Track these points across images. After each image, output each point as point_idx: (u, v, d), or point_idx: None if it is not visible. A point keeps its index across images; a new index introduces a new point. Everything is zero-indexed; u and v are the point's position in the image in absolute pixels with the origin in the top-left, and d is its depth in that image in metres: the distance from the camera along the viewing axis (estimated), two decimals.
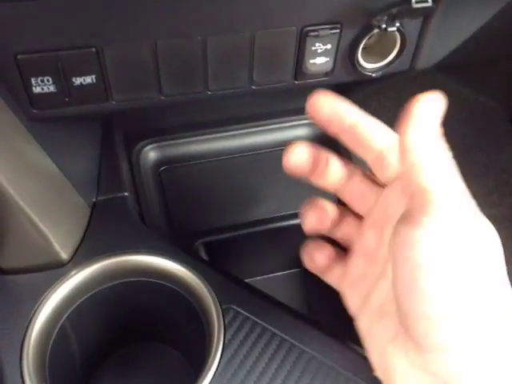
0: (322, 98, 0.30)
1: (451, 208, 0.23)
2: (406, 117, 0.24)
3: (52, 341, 0.38)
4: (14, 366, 0.36)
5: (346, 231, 0.32)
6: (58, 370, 0.39)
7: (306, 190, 0.53)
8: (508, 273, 0.24)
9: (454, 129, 0.89)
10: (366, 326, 0.30)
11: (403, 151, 0.25)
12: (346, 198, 0.32)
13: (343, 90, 0.55)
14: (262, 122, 0.53)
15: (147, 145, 0.51)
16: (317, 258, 0.33)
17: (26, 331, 0.37)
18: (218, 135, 0.53)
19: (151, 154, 0.51)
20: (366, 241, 0.30)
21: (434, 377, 0.25)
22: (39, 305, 0.38)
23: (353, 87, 0.55)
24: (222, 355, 0.35)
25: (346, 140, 0.30)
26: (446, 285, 0.23)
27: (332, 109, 0.30)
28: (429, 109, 0.24)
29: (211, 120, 0.53)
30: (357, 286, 0.31)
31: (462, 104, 0.99)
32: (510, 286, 0.24)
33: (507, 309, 0.24)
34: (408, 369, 0.26)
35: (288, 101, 0.53)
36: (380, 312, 0.29)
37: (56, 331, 0.39)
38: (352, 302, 0.31)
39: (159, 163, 0.51)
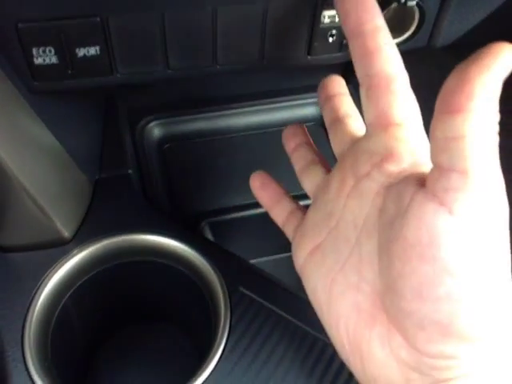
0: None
1: (489, 198, 0.20)
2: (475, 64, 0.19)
3: (54, 320, 0.38)
4: (16, 345, 0.35)
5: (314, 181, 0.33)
6: (59, 349, 0.39)
7: None
8: None
9: None
10: (316, 287, 0.29)
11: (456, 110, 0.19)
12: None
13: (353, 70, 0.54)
14: (269, 100, 0.52)
15: (151, 121, 0.50)
16: (278, 212, 0.34)
17: (27, 310, 0.36)
18: (225, 112, 0.52)
19: (155, 130, 0.50)
20: (327, 190, 0.29)
21: (423, 376, 0.23)
22: (41, 283, 0.37)
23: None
24: (228, 338, 0.34)
25: None
26: (476, 293, 0.20)
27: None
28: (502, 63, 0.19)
29: (217, 96, 0.51)
30: (306, 237, 0.30)
31: None
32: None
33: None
34: (390, 360, 0.24)
35: (296, 78, 0.52)
36: (345, 282, 0.27)
37: (58, 310, 0.38)
38: (299, 254, 0.30)
39: (163, 140, 0.50)
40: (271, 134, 0.52)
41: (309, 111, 0.54)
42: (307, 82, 0.52)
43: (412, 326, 0.22)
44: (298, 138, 0.37)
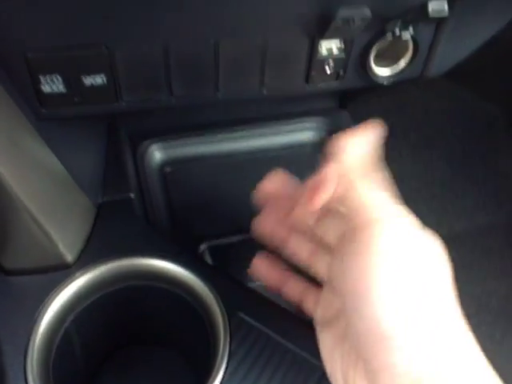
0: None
1: (393, 222, 0.24)
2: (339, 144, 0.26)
3: (56, 344, 0.38)
4: (19, 369, 0.35)
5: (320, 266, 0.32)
6: (61, 372, 0.39)
7: None
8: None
9: (455, 134, 0.89)
10: (328, 348, 0.30)
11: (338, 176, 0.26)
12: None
13: (350, 95, 0.55)
14: (269, 124, 0.53)
15: (153, 144, 0.50)
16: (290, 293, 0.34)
17: (30, 334, 0.36)
18: (225, 136, 0.53)
19: (157, 153, 0.51)
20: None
21: None
22: (43, 307, 0.37)
23: (359, 93, 0.55)
24: (227, 364, 0.35)
25: None
26: (394, 303, 0.23)
27: None
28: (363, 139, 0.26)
29: (218, 120, 0.52)
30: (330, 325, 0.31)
31: (464, 110, 0.99)
32: (455, 300, 0.25)
33: (452, 321, 0.24)
34: None
35: (296, 104, 0.53)
36: (342, 336, 0.29)
37: (60, 334, 0.38)
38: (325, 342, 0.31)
39: (164, 163, 0.51)
40: (271, 158, 0.53)
41: (306, 136, 0.55)
42: (307, 107, 0.53)
43: None
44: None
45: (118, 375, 0.46)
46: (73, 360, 0.41)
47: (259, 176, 0.52)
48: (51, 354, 0.38)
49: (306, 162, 0.53)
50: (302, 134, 0.54)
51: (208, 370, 0.35)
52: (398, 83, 0.40)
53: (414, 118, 0.98)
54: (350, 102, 0.56)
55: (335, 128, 0.53)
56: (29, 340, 0.36)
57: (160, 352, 0.46)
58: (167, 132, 0.52)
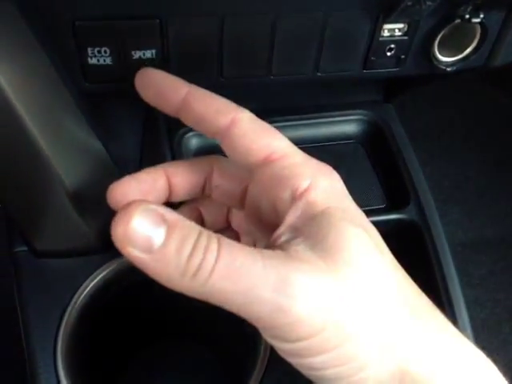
0: (149, 71, 0.28)
1: None
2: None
3: (86, 331, 0.36)
4: (48, 354, 0.33)
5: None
6: (89, 360, 0.37)
7: (352, 188, 0.51)
8: None
9: (489, 136, 0.86)
10: None
11: None
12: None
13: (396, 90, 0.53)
14: (312, 115, 0.50)
15: (189, 131, 0.48)
16: None
17: (60, 321, 0.35)
18: None
19: (193, 140, 0.49)
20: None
21: None
22: (75, 293, 0.36)
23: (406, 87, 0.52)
24: (265, 370, 0.33)
25: (184, 119, 0.27)
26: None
27: (162, 83, 0.28)
28: None
29: (257, 109, 0.50)
30: None
31: (498, 110, 0.96)
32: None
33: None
34: None
35: (341, 95, 0.50)
36: None
37: (91, 321, 0.36)
38: None
39: (201, 150, 0.49)
40: (313, 150, 0.50)
41: (348, 128, 0.52)
42: (350, 98, 0.51)
43: None
44: None
45: (146, 367, 0.44)
46: (101, 347, 0.40)
47: None
48: (81, 340, 0.36)
49: (349, 155, 0.50)
50: (346, 125, 0.51)
51: (245, 372, 0.33)
52: (459, 72, 0.37)
53: (449, 119, 0.96)
54: (394, 96, 0.54)
55: (380, 121, 0.51)
56: (59, 325, 0.35)
57: (191, 347, 0.44)
58: None
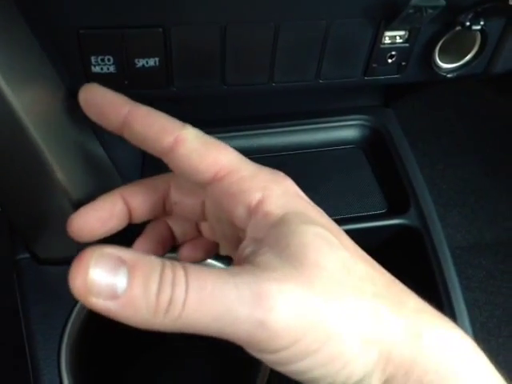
0: (92, 88, 0.28)
1: None
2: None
3: (90, 337, 0.36)
4: (52, 362, 0.33)
5: None
6: (93, 367, 0.37)
7: (352, 194, 0.51)
8: None
9: (488, 139, 0.86)
10: None
11: None
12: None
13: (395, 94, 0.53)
14: (311, 120, 0.50)
15: None
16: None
17: (63, 328, 0.35)
18: (262, 131, 0.51)
19: None
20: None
21: None
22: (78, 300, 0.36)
23: (405, 92, 0.53)
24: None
25: (128, 139, 0.27)
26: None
27: (104, 100, 0.27)
28: None
29: (258, 115, 0.50)
30: None
31: (498, 113, 0.97)
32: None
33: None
34: None
35: (340, 100, 0.51)
36: None
37: (94, 329, 0.36)
38: None
39: None
40: (312, 155, 0.51)
41: (348, 133, 0.53)
42: (350, 103, 0.51)
43: None
44: None
45: (149, 370, 0.44)
46: (105, 355, 0.40)
47: (300, 173, 0.50)
48: (85, 346, 0.36)
49: (349, 160, 0.50)
50: (346, 130, 0.51)
51: (250, 374, 0.33)
52: (459, 78, 0.38)
53: (447, 121, 0.96)
54: (394, 101, 0.54)
55: (380, 126, 0.51)
56: (62, 333, 0.35)
57: (196, 347, 0.44)
58: (203, 125, 0.50)
